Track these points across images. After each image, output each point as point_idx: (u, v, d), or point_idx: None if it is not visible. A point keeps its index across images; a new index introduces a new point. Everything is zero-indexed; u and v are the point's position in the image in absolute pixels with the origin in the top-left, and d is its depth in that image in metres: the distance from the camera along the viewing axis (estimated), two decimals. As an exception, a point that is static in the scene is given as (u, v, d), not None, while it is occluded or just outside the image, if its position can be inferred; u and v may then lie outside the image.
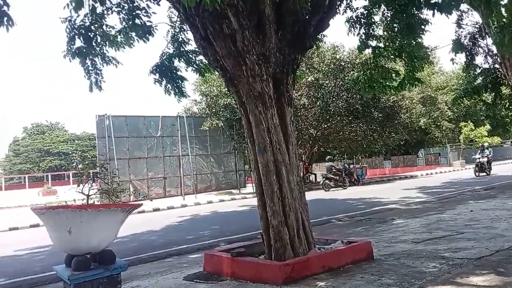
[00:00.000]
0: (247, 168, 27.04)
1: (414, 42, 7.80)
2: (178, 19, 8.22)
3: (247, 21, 4.82)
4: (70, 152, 61.35)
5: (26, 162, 59.86)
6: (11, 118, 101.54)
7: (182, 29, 8.35)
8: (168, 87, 8.03)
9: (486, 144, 25.44)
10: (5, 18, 4.90)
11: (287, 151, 5.06)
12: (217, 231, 9.88)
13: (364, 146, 28.86)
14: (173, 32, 8.41)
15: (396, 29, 7.80)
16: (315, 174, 28.29)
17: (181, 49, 8.31)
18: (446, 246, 5.64)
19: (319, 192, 20.41)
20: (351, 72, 22.36)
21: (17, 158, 60.83)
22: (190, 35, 8.45)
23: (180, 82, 8.11)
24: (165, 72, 7.98)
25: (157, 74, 7.98)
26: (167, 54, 8.19)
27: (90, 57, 7.39)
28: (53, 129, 65.14)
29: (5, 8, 4.83)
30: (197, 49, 8.33)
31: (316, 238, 5.49)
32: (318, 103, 23.64)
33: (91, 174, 4.88)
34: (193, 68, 8.37)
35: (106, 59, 7.53)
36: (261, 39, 4.96)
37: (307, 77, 20.98)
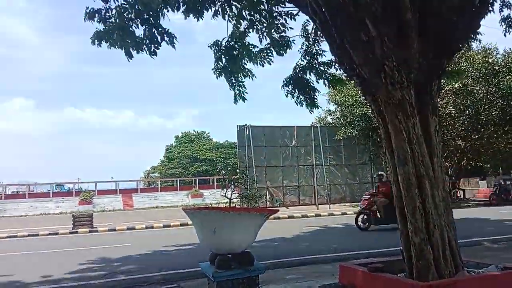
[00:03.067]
0: (384, 180, 25.78)
1: None
2: (313, 32, 8.39)
3: (386, 27, 4.63)
4: (214, 159, 66.84)
5: (178, 167, 67.14)
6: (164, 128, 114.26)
7: (316, 41, 8.51)
8: (300, 98, 8.29)
9: None
10: (168, 39, 5.92)
11: (431, 163, 4.66)
12: (352, 244, 9.63)
13: (525, 159, 25.09)
14: (307, 45, 8.61)
15: None
16: (463, 190, 25.59)
17: (313, 62, 8.49)
18: None
19: (468, 210, 18.37)
20: (507, 77, 19.75)
21: (170, 164, 68.64)
22: (323, 47, 8.63)
23: (312, 93, 8.30)
24: (298, 84, 8.25)
25: (290, 86, 8.31)
26: (300, 66, 8.45)
27: (234, 71, 8.05)
28: (200, 138, 71.89)
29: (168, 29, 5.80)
30: (329, 61, 8.46)
31: (465, 260, 4.92)
32: (467, 111, 21.42)
33: (232, 180, 5.25)
34: (324, 81, 8.49)
35: (245, 73, 8.13)
36: (401, 45, 4.70)
37: (453, 83, 19.23)
